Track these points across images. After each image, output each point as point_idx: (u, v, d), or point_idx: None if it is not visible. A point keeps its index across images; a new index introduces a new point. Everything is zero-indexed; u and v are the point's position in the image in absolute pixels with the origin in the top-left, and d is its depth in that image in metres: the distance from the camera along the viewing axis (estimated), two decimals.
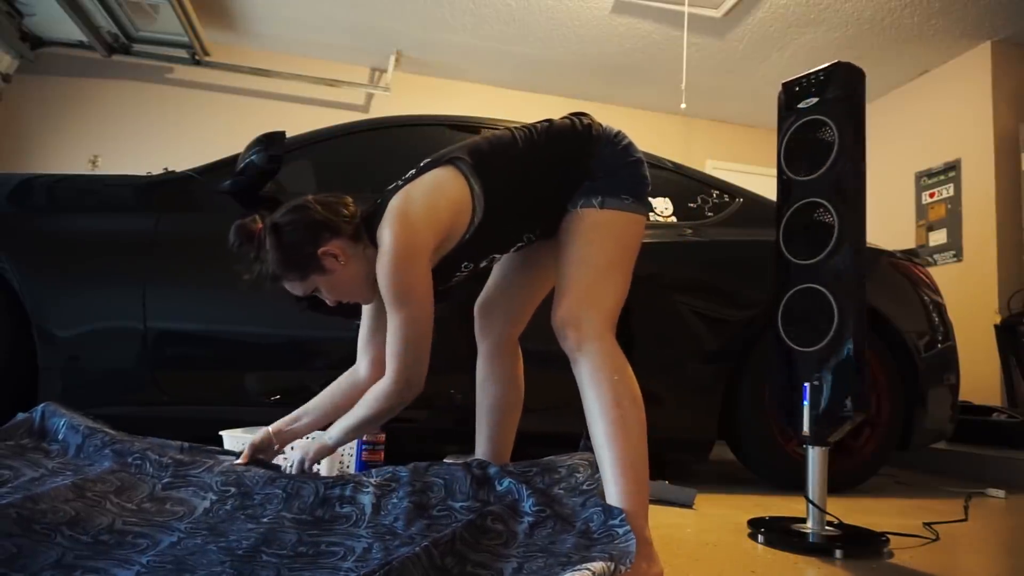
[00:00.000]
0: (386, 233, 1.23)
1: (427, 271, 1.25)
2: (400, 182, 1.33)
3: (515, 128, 1.37)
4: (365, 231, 1.33)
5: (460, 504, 1.22)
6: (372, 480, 1.28)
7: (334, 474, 1.59)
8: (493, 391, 1.53)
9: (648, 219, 1.36)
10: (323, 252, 1.29)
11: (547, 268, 1.49)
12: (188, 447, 1.45)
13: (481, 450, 1.52)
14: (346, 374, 1.47)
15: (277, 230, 1.29)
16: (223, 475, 1.33)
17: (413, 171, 1.34)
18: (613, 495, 1.15)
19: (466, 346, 2.17)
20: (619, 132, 1.38)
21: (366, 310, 1.48)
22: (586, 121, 1.37)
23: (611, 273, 1.28)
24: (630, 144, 1.37)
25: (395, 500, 1.23)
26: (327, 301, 1.37)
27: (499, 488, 1.24)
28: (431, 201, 1.26)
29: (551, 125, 1.37)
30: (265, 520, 1.19)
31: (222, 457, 1.44)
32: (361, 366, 1.46)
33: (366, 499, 1.24)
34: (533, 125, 1.38)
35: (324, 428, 1.40)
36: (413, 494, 1.23)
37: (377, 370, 1.41)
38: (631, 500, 1.14)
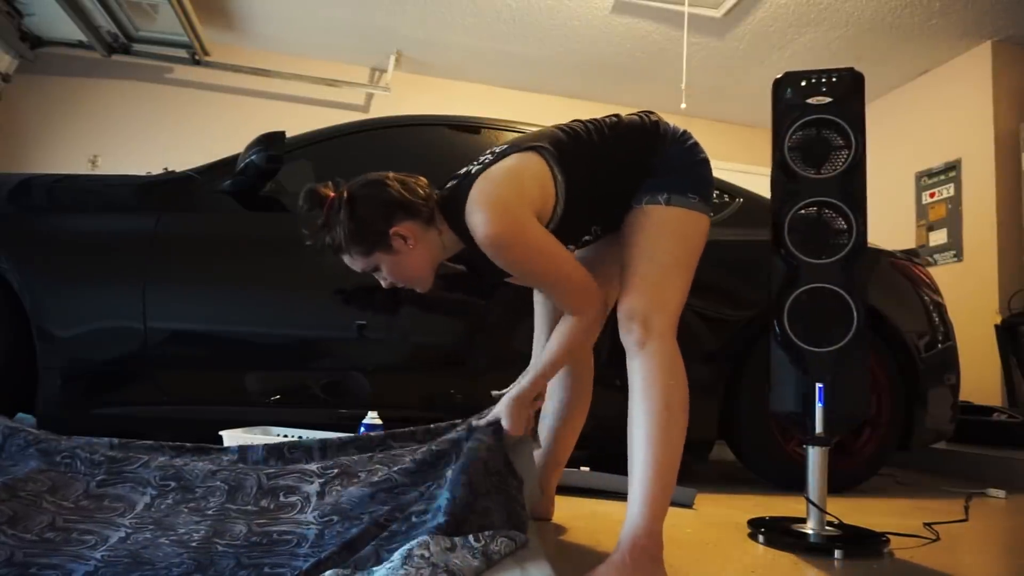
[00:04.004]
0: (477, 219, 1.16)
1: (541, 230, 1.21)
2: (476, 166, 1.28)
3: (586, 122, 1.35)
4: (442, 216, 1.28)
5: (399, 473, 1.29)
6: (315, 468, 1.30)
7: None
8: (559, 396, 1.52)
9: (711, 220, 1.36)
10: (394, 232, 1.23)
11: (609, 268, 1.44)
12: (119, 443, 1.40)
13: (538, 454, 1.50)
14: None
15: (352, 201, 1.22)
16: (160, 469, 1.32)
17: (488, 155, 1.29)
18: (638, 494, 1.15)
19: (473, 351, 2.17)
20: (685, 131, 1.38)
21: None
22: (653, 118, 1.37)
23: (678, 271, 1.28)
24: (696, 144, 1.37)
25: (339, 487, 1.25)
26: (381, 282, 1.31)
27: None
28: (514, 177, 1.21)
29: (619, 121, 1.36)
30: (210, 512, 1.20)
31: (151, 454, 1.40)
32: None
33: (311, 488, 1.26)
34: (602, 120, 1.36)
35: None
36: (359, 484, 1.25)
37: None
38: (655, 505, 1.14)
